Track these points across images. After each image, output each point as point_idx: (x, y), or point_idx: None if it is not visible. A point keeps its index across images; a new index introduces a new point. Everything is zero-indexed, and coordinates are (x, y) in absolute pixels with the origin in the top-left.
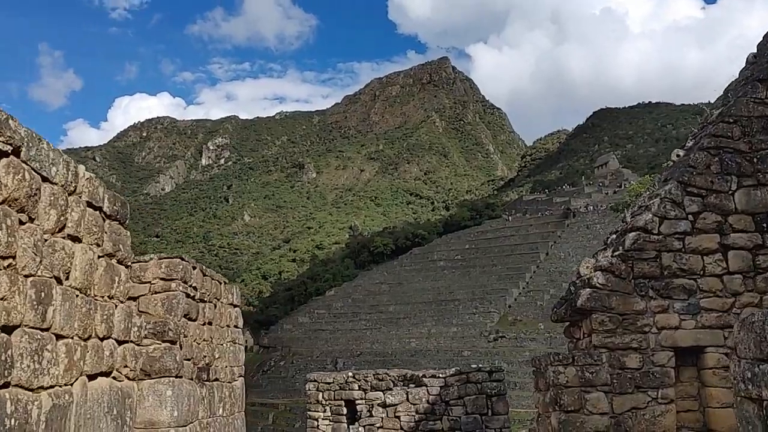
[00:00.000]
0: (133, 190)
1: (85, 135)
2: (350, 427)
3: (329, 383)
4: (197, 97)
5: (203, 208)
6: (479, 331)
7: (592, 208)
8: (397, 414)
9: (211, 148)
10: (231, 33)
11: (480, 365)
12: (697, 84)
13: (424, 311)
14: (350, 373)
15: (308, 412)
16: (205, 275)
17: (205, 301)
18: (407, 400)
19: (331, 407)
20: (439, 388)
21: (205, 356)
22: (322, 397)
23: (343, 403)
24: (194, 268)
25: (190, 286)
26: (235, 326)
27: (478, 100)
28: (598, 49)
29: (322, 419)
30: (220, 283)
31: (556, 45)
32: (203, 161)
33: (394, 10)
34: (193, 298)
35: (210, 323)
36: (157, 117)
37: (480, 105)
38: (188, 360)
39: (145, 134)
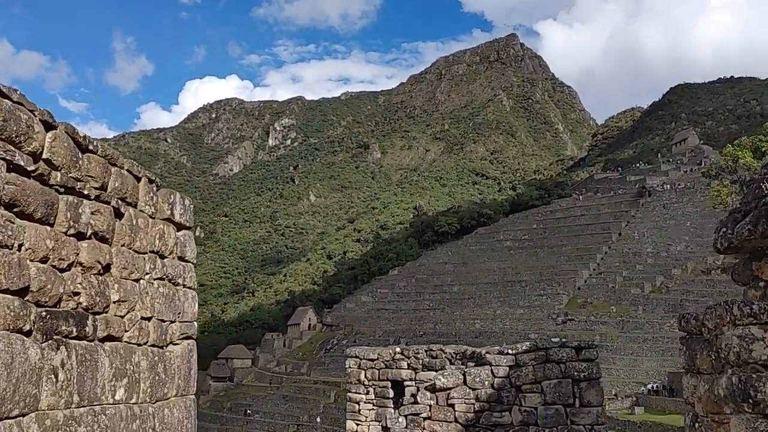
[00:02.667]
0: (203, 171)
1: (157, 117)
2: (396, 411)
3: (373, 360)
4: (264, 80)
5: (270, 188)
6: (547, 313)
7: (669, 186)
8: (450, 401)
9: (278, 128)
10: (295, 14)
11: (564, 339)
12: None
13: (490, 292)
14: (398, 349)
15: (348, 394)
16: (85, 149)
17: (85, 196)
18: (464, 383)
19: (375, 389)
20: (507, 369)
21: (75, 294)
22: (365, 377)
23: (389, 384)
24: (46, 122)
25: (29, 152)
26: (178, 257)
27: (547, 78)
28: (675, 23)
29: (365, 402)
30: (138, 179)
31: (629, 20)
32: (270, 142)
33: None
34: (38, 177)
35: (102, 238)
36: (226, 99)
37: (549, 83)
38: (18, 295)
39: (214, 116)
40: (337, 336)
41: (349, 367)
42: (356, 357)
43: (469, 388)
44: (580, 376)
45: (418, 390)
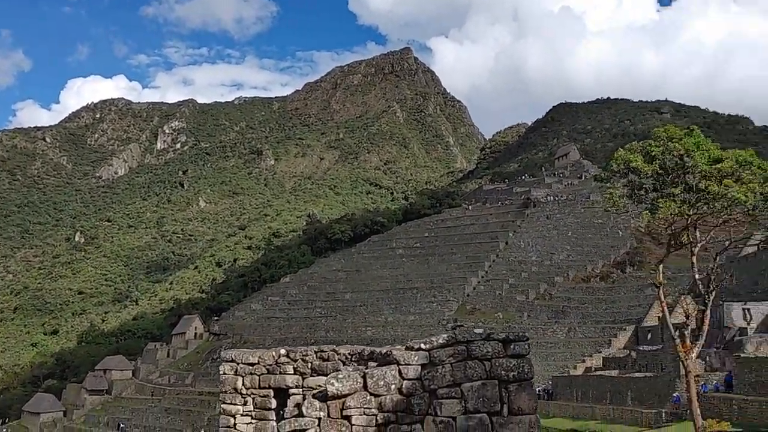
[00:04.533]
0: (85, 173)
1: (35, 115)
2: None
3: (253, 365)
4: (153, 81)
5: (157, 192)
6: (437, 320)
7: (552, 198)
8: (346, 412)
9: (167, 131)
10: (186, 16)
11: (489, 330)
12: (653, 83)
13: (382, 299)
14: (282, 351)
15: (222, 405)
16: None
17: None
18: (364, 387)
19: (254, 398)
20: (419, 369)
21: None
22: (243, 384)
23: (271, 392)
24: None
25: None
26: None
27: (439, 92)
28: (557, 46)
29: (242, 414)
30: None
31: (515, 41)
32: (158, 145)
33: (354, 1)
34: None
35: None
36: (111, 99)
37: (441, 97)
38: None
39: (98, 116)
40: (225, 345)
41: (224, 374)
42: (232, 361)
43: (371, 394)
44: (509, 376)
45: (304, 399)
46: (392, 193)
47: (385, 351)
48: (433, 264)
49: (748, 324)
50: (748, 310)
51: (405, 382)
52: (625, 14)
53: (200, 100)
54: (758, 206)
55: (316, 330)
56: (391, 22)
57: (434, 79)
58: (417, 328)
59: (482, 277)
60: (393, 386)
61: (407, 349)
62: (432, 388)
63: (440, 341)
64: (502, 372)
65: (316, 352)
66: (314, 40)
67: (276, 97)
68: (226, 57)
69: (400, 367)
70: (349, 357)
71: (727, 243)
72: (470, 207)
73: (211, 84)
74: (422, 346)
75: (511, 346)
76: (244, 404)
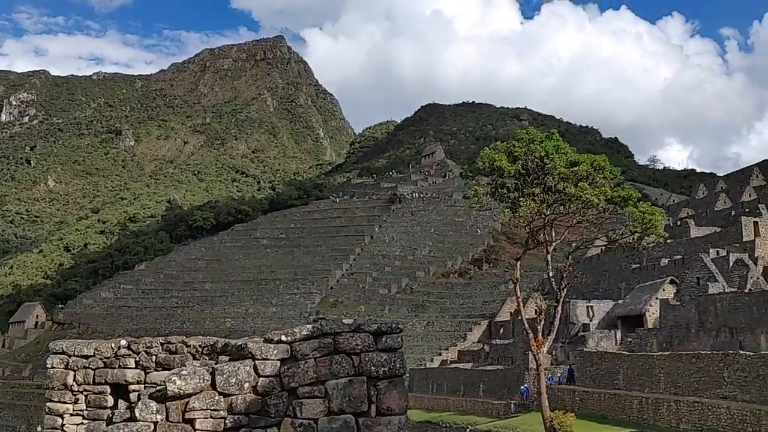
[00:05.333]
0: None
1: None
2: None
3: (88, 357)
4: None
5: None
6: (299, 312)
7: (417, 194)
8: (188, 414)
9: (14, 103)
10: None
11: (356, 319)
12: (514, 90)
13: (243, 290)
14: (123, 342)
15: (48, 404)
16: None
17: None
18: (213, 386)
19: (88, 396)
20: (278, 364)
21: None
22: (74, 379)
23: (107, 389)
24: None
25: None
26: None
27: (311, 83)
28: (427, 48)
29: (71, 414)
30: None
31: (388, 39)
32: (3, 117)
33: None
34: None
35: None
36: None
37: (313, 89)
38: None
39: None
40: (70, 335)
41: (52, 367)
42: (63, 353)
43: (220, 393)
44: (379, 373)
45: (139, 398)
46: (259, 182)
47: (239, 344)
48: (297, 255)
49: (591, 320)
50: (591, 307)
51: (261, 379)
52: (492, 23)
53: (54, 72)
54: (608, 209)
55: (171, 321)
56: (266, 8)
57: (307, 69)
58: (278, 320)
59: (346, 270)
60: (246, 384)
61: (266, 341)
62: (292, 386)
63: (304, 333)
64: (372, 368)
65: (162, 344)
66: (183, 20)
67: (139, 75)
68: (85, 29)
69: (256, 362)
70: (200, 350)
71: (574, 244)
72: (338, 200)
73: (67, 56)
74: (283, 338)
75: (383, 339)
76: (75, 402)
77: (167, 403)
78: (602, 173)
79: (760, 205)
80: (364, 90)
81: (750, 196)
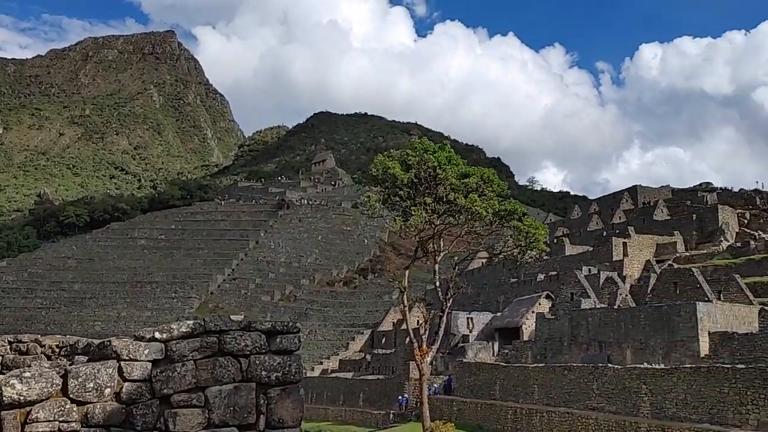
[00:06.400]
0: None
1: None
2: None
3: None
4: None
5: None
6: (176, 317)
7: (306, 201)
8: (30, 428)
9: None
10: None
11: (246, 316)
12: (405, 105)
13: (116, 292)
14: None
15: None
16: None
17: None
18: (65, 392)
19: None
20: (149, 366)
21: None
22: None
23: None
24: None
25: None
26: None
27: (201, 82)
28: (321, 56)
29: None
30: None
31: (282, 44)
32: None
33: None
34: None
35: None
36: None
37: (203, 88)
38: None
39: None
40: None
41: None
42: None
43: (73, 401)
44: (271, 378)
45: None
46: (140, 180)
47: (102, 342)
48: (177, 258)
49: (471, 332)
50: (472, 319)
51: (126, 384)
52: (387, 37)
53: None
54: (495, 222)
55: (34, 322)
56: (156, 1)
57: (197, 68)
58: (153, 325)
59: (228, 275)
60: (108, 390)
61: (135, 339)
62: (165, 393)
63: (183, 330)
64: (263, 372)
65: (11, 343)
66: (65, 5)
67: (13, 59)
68: None
69: (122, 363)
70: (57, 350)
71: (456, 258)
72: (223, 202)
73: None
74: (156, 335)
75: (277, 340)
76: None
77: (2, 413)
78: (491, 186)
79: (629, 227)
80: (256, 93)
81: (620, 219)
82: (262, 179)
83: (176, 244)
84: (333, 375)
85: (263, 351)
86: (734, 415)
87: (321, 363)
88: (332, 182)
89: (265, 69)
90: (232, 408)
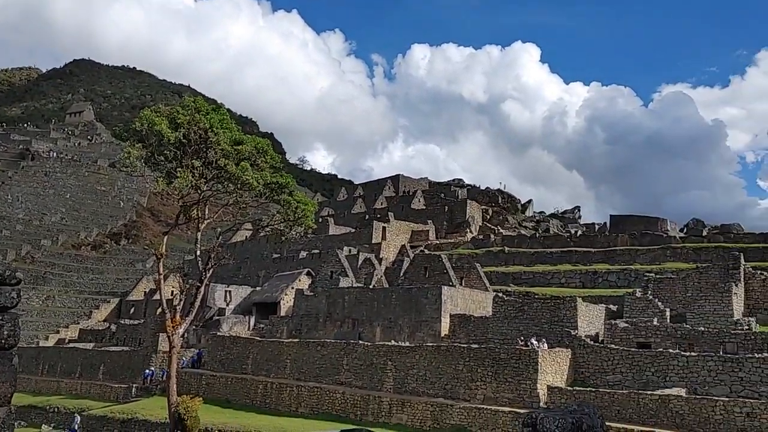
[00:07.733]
0: None
1: None
2: None
3: None
4: None
5: None
6: None
7: (55, 154)
8: None
9: None
10: None
11: None
12: (179, 66)
13: None
14: None
15: None
16: None
17: None
18: None
19: None
20: None
21: None
22: None
23: None
24: None
25: None
26: None
27: None
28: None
29: None
30: None
31: None
32: None
33: None
34: None
35: None
36: None
37: None
38: None
39: None
40: None
41: None
42: None
43: None
44: None
45: None
46: None
47: None
48: None
49: (228, 305)
50: (230, 292)
51: None
52: None
53: None
54: (265, 194)
55: None
56: None
57: None
58: None
59: None
60: None
61: None
62: None
63: None
64: None
65: None
66: None
67: None
68: None
69: None
70: None
71: (219, 229)
72: None
73: None
74: None
75: None
76: None
77: None
78: (264, 157)
79: (389, 213)
80: (5, 29)
81: (382, 204)
82: (4, 124)
83: None
84: (71, 345)
85: None
86: (465, 391)
87: (58, 332)
88: (89, 137)
89: (17, 2)
90: None
